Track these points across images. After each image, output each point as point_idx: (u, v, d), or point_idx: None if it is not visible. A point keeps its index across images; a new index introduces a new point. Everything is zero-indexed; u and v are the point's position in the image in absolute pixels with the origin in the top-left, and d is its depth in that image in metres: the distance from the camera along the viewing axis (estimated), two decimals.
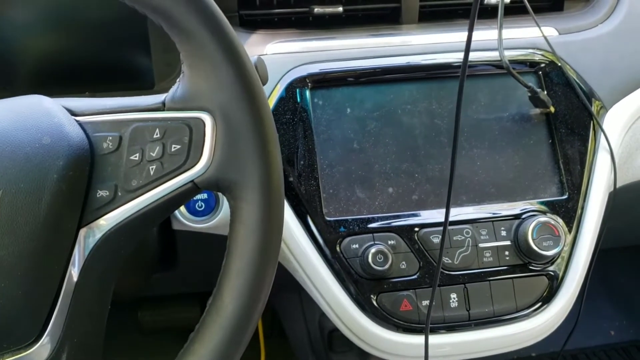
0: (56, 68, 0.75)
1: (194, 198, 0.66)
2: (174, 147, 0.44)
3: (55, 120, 0.44)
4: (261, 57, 0.49)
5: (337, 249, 0.66)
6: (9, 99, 0.47)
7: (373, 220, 0.67)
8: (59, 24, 0.73)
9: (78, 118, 0.46)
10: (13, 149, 0.42)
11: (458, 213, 0.68)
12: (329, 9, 0.76)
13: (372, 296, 0.66)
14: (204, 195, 0.67)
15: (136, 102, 0.46)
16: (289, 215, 0.66)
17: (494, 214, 0.69)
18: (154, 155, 0.44)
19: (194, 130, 0.44)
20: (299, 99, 0.69)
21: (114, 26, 0.74)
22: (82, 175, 0.43)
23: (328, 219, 0.67)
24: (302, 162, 0.67)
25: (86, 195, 0.43)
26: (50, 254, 0.42)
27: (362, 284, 0.66)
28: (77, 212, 0.43)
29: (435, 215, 0.68)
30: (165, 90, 0.47)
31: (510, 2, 0.78)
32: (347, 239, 0.66)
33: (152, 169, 0.44)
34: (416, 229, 0.67)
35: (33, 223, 0.41)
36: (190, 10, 0.42)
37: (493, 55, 0.70)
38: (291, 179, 0.67)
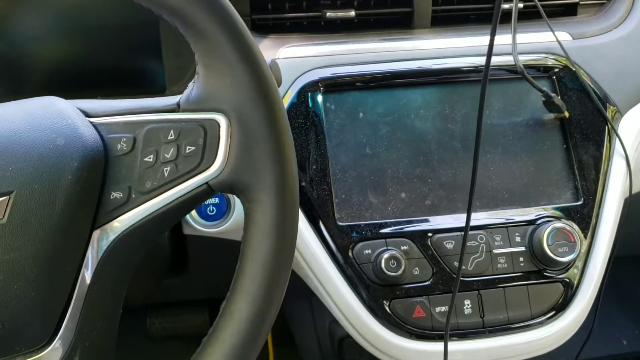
0: (68, 73, 0.75)
1: (206, 202, 0.66)
2: (189, 149, 0.44)
3: (70, 121, 0.44)
4: (275, 60, 0.49)
5: (350, 254, 0.65)
6: (23, 100, 0.47)
7: (386, 225, 0.66)
8: (72, 30, 0.73)
9: (92, 119, 0.45)
10: (27, 149, 0.42)
11: (472, 218, 0.67)
12: (341, 14, 0.76)
13: (384, 302, 0.65)
14: (216, 200, 0.67)
15: (150, 104, 0.46)
16: (301, 220, 0.66)
17: (508, 219, 0.68)
18: (168, 156, 0.44)
19: (209, 131, 0.44)
20: (310, 104, 0.69)
21: (127, 31, 0.74)
22: (96, 176, 0.43)
23: (340, 224, 0.66)
24: (314, 167, 0.67)
25: (100, 197, 0.43)
26: (63, 256, 0.42)
27: (375, 290, 0.65)
28: (91, 214, 0.43)
29: (448, 220, 0.67)
30: (177, 94, 0.47)
31: (524, 7, 0.78)
32: (360, 245, 0.66)
33: (166, 170, 0.44)
34: (429, 234, 0.66)
35: (46, 224, 0.41)
36: (206, 11, 0.42)
37: (507, 59, 0.70)
38: (303, 183, 0.66)
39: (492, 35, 0.46)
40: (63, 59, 0.74)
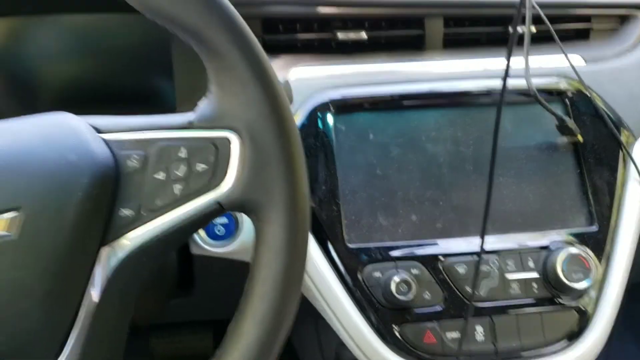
0: (79, 91, 0.76)
1: (214, 222, 0.65)
2: (200, 167, 0.44)
3: (81, 137, 0.44)
4: (286, 80, 0.49)
5: (359, 277, 0.64)
6: (34, 116, 0.47)
7: (396, 248, 0.65)
8: (84, 50, 0.74)
9: (104, 135, 0.45)
10: (38, 165, 0.42)
11: (484, 242, 0.66)
12: (353, 35, 0.76)
13: (394, 326, 0.64)
14: (224, 220, 0.66)
15: (162, 121, 0.46)
16: (309, 242, 0.65)
17: (521, 244, 0.67)
18: (179, 174, 0.44)
19: (220, 149, 0.44)
20: (321, 125, 0.68)
21: (139, 50, 0.74)
22: (107, 193, 0.42)
23: (350, 246, 0.65)
24: (323, 188, 0.66)
25: (109, 214, 0.43)
26: (71, 273, 0.41)
27: (384, 314, 0.64)
28: (100, 231, 0.42)
29: (460, 244, 0.66)
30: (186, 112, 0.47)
31: (537, 31, 0.77)
32: (369, 267, 0.64)
33: (176, 188, 0.43)
34: (441, 258, 0.65)
35: (56, 241, 0.40)
36: (220, 28, 0.42)
37: (520, 83, 0.69)
38: (312, 204, 0.66)
39: (508, 59, 0.45)
40: (75, 78, 0.75)
